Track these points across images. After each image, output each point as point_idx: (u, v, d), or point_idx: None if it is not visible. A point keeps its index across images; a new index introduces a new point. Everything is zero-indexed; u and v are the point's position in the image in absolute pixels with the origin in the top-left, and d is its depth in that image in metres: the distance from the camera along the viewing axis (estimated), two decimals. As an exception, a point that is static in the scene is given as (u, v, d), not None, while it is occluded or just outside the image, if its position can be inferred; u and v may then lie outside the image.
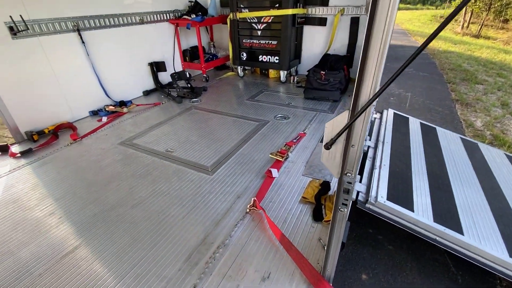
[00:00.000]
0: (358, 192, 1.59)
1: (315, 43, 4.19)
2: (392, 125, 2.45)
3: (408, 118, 2.71)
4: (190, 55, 4.34)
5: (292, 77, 4.22)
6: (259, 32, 4.01)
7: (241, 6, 3.92)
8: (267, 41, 4.02)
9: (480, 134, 3.50)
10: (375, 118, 2.57)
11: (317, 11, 3.97)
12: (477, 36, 14.25)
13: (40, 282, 1.30)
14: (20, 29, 2.44)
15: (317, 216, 1.57)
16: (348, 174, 0.86)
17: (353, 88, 0.75)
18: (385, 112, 2.65)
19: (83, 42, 2.93)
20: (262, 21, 3.89)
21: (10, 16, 2.37)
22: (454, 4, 22.01)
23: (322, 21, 3.99)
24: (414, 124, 2.63)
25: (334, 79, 3.27)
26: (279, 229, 1.48)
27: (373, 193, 1.60)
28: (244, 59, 4.32)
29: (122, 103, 3.31)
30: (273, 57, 4.06)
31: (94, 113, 3.14)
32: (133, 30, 3.48)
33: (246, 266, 1.33)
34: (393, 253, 1.80)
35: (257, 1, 3.81)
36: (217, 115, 3.13)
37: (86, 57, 3.01)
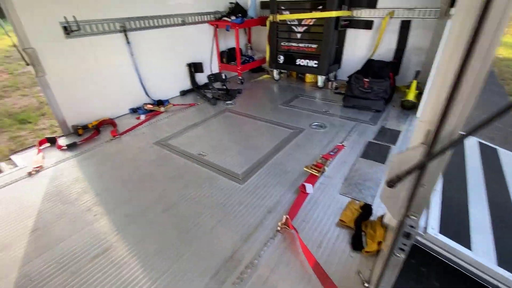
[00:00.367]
0: None
1: (357, 47, 3.94)
2: (445, 144, 2.17)
3: (462, 135, 2.40)
4: (227, 56, 4.34)
5: (330, 83, 4.01)
6: (298, 35, 3.87)
7: (282, 8, 3.81)
8: (306, 44, 3.86)
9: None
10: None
11: (364, 14, 3.72)
12: (547, 41, 12.47)
13: (72, 281, 1.33)
14: (72, 29, 2.59)
15: (357, 244, 1.42)
16: (412, 217, 0.72)
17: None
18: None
19: (128, 42, 3.05)
20: (302, 23, 3.75)
21: (65, 17, 2.52)
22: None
23: (368, 24, 3.73)
24: (471, 143, 2.31)
25: (379, 87, 3.02)
26: (312, 255, 1.35)
27: (421, 222, 1.40)
28: (281, 62, 4.21)
29: (160, 102, 3.40)
30: (311, 61, 3.90)
31: (134, 110, 3.26)
32: (174, 31, 3.55)
33: (275, 293, 1.23)
34: (441, 293, 1.57)
35: (299, 3, 3.67)
36: (250, 119, 3.06)
37: (130, 56, 3.13)
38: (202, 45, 4.04)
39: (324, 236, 1.51)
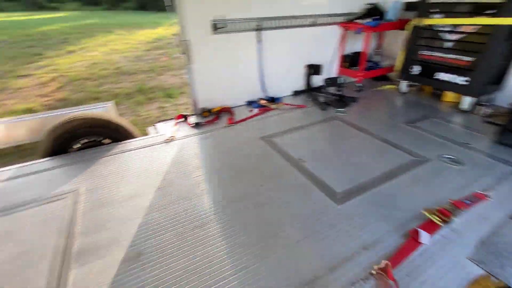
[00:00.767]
0: None
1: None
2: None
3: None
4: (350, 61, 4.05)
5: (481, 108, 3.12)
6: (448, 44, 3.16)
7: (434, 10, 3.18)
8: (456, 56, 3.11)
9: None
10: None
11: None
12: None
13: (177, 241, 1.56)
14: (219, 27, 3.00)
15: None
16: None
17: None
18: None
19: (259, 41, 3.29)
20: (458, 30, 3.03)
21: (216, 16, 2.93)
22: None
23: None
24: None
25: None
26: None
27: None
28: (415, 73, 3.58)
29: (273, 99, 3.54)
30: (459, 76, 3.12)
31: (249, 103, 3.54)
32: (302, 31, 3.58)
33: None
34: None
35: (461, 6, 2.96)
36: (362, 133, 2.77)
37: (258, 53, 3.37)
38: (325, 47, 3.92)
39: (434, 307, 1.19)
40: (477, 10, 2.83)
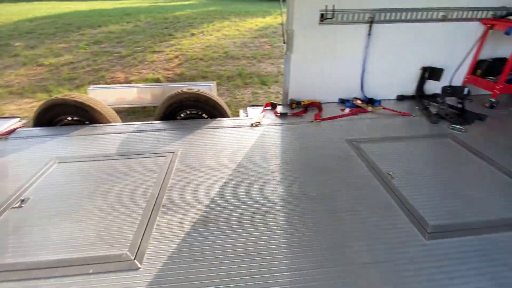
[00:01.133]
0: None
1: None
2: None
3: None
4: (485, 68, 3.20)
5: None
6: None
7: None
8: None
9: None
10: None
11: None
12: None
13: (244, 220, 1.65)
14: (327, 17, 2.85)
15: None
16: None
17: None
18: None
19: (369, 34, 2.97)
20: None
21: (326, 6, 2.79)
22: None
23: None
24: None
25: None
26: None
27: None
28: None
29: (370, 101, 3.19)
30: None
31: (342, 101, 3.30)
32: (425, 27, 3.02)
33: None
34: None
35: None
36: (482, 161, 2.19)
37: (365, 48, 3.07)
38: (453, 48, 3.21)
39: None
40: None
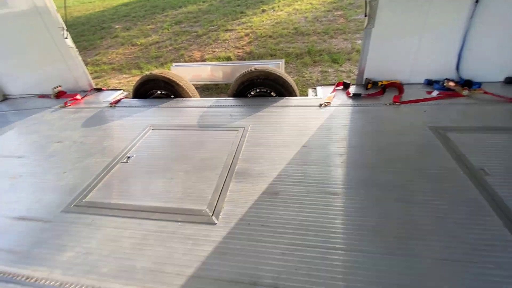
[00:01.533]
0: None
1: None
2: None
3: None
4: None
5: None
6: None
7: None
8: None
9: None
10: None
11: None
12: None
13: (306, 198, 1.71)
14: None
15: None
16: None
17: None
18: None
19: (476, 1, 2.46)
20: None
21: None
22: None
23: None
24: None
25: None
26: None
27: None
28: None
29: (467, 83, 2.71)
30: None
31: (429, 83, 2.89)
32: None
33: None
34: None
35: None
36: None
37: (468, 19, 2.56)
38: None
39: None
40: None
